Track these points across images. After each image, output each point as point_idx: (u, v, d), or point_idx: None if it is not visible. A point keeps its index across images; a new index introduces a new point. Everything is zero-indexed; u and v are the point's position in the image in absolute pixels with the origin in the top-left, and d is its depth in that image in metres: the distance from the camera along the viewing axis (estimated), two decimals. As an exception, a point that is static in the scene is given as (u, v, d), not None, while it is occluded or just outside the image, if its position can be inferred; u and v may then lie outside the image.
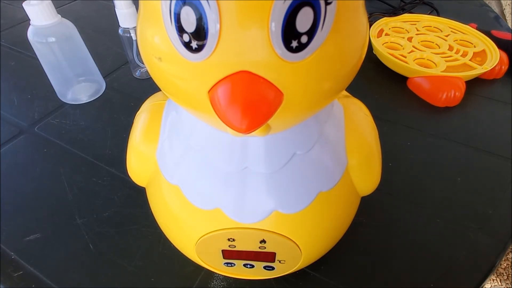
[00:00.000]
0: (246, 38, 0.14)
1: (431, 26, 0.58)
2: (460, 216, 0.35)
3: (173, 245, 0.27)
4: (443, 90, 0.46)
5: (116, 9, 0.45)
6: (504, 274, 0.97)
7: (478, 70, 0.48)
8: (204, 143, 0.21)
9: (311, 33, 0.14)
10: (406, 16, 0.60)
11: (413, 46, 0.53)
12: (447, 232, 0.33)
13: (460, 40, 0.55)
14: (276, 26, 0.13)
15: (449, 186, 0.38)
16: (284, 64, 0.14)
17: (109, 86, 0.52)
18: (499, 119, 0.45)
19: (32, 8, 0.39)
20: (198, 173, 0.22)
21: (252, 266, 0.26)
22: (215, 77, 0.15)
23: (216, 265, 0.27)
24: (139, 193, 0.34)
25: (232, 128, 0.15)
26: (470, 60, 0.50)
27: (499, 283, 0.95)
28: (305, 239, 0.23)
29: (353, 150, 0.23)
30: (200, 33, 0.14)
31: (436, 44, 0.54)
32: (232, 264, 0.26)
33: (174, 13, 0.14)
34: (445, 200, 0.36)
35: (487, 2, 0.86)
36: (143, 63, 0.48)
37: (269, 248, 0.23)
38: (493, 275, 0.97)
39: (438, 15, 0.64)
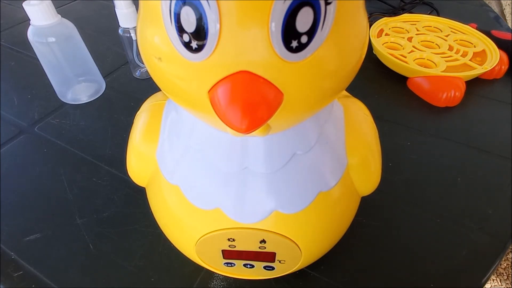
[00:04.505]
0: (246, 38, 0.14)
1: (431, 26, 0.58)
2: (460, 216, 0.35)
3: (173, 245, 0.27)
4: (443, 90, 0.46)
5: (116, 9, 0.45)
6: (504, 274, 0.97)
7: (478, 70, 0.48)
8: (204, 143, 0.21)
9: (311, 33, 0.14)
10: (406, 16, 0.60)
11: (413, 46, 0.53)
12: (447, 232, 0.33)
13: (460, 40, 0.55)
14: (276, 26, 0.13)
15: (449, 186, 0.38)
16: (284, 64, 0.14)
17: (109, 86, 0.52)
18: (499, 119, 0.45)
19: (32, 8, 0.39)
20: (198, 173, 0.22)
21: (252, 266, 0.26)
22: (215, 77, 0.15)
23: (216, 265, 0.27)
24: (139, 193, 0.34)
25: (232, 128, 0.15)
26: (470, 60, 0.50)
27: (499, 283, 0.95)
28: (305, 239, 0.23)
29: (353, 150, 0.23)
30: (200, 33, 0.14)
31: (436, 44, 0.54)
32: (232, 264, 0.26)
33: (174, 13, 0.14)
34: (445, 200, 0.36)
35: (487, 2, 0.87)
36: (143, 63, 0.48)
37: (269, 248, 0.23)
38: (493, 275, 0.97)
39: (438, 15, 0.64)
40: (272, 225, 0.22)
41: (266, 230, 0.22)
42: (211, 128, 0.20)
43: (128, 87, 0.52)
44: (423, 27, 0.58)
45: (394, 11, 0.64)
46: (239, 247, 0.24)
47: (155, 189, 0.25)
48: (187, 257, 0.27)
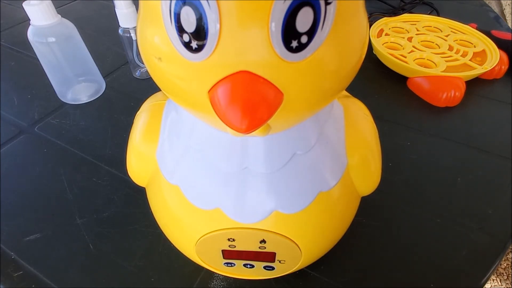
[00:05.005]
0: (246, 38, 0.14)
1: (431, 26, 0.58)
2: (460, 216, 0.35)
3: (173, 245, 0.27)
4: (443, 90, 0.46)
5: (116, 9, 0.45)
6: (504, 274, 0.97)
7: (478, 70, 0.48)
8: (204, 143, 0.21)
9: (311, 33, 0.14)
10: (406, 16, 0.60)
11: (413, 46, 0.53)
12: (447, 232, 0.33)
13: (460, 40, 0.55)
14: (276, 26, 0.13)
15: (449, 186, 0.38)
16: (284, 64, 0.14)
17: (109, 86, 0.52)
18: (499, 119, 0.45)
19: (32, 8, 0.39)
20: (198, 173, 0.22)
21: (252, 266, 0.26)
22: (215, 77, 0.15)
23: (216, 265, 0.27)
24: (139, 193, 0.34)
25: (232, 128, 0.15)
26: (470, 60, 0.50)
27: (499, 283, 0.95)
28: (305, 239, 0.23)
29: (353, 150, 0.23)
30: (200, 33, 0.14)
31: (436, 44, 0.54)
32: (232, 264, 0.26)
33: (174, 13, 0.14)
34: (445, 200, 0.36)
35: (487, 2, 0.87)
36: (143, 63, 0.48)
37: (269, 248, 0.23)
38: (493, 275, 0.97)
39: (438, 15, 0.64)
40: (272, 225, 0.22)
41: (266, 230, 0.22)
42: (211, 128, 0.20)
43: (128, 87, 0.52)
44: (423, 27, 0.58)
45: (394, 11, 0.64)
46: (239, 247, 0.24)
47: (155, 189, 0.25)
48: (187, 257, 0.27)
